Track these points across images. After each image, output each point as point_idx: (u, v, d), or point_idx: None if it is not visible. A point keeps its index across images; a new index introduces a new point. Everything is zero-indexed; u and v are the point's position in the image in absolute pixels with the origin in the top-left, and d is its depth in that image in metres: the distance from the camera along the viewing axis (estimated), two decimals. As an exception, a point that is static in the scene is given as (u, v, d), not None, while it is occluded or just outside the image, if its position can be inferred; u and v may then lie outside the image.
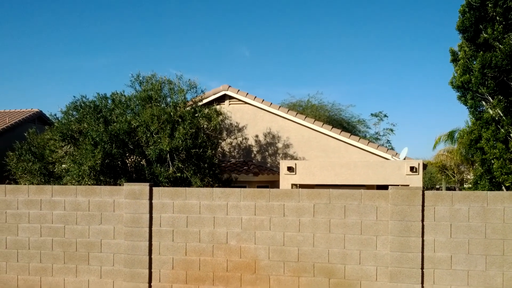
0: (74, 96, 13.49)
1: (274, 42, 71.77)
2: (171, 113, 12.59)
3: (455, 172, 34.03)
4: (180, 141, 12.00)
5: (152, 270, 7.89)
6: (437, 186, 44.08)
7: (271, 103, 16.36)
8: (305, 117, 16.52)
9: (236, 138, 16.67)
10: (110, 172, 12.08)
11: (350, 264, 7.24)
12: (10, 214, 8.43)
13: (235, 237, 7.62)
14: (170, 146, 11.90)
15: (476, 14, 13.83)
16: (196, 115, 13.17)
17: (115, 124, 12.25)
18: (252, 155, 16.55)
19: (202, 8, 73.29)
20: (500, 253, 6.81)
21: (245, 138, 16.61)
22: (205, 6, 71.85)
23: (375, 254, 7.16)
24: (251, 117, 16.59)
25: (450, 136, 24.89)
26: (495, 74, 13.44)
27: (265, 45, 72.06)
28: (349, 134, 16.36)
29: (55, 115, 13.76)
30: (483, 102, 14.32)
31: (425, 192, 7.07)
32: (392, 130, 32.22)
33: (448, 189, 38.10)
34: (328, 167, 13.22)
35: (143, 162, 12.94)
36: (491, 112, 13.80)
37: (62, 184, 11.81)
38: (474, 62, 14.03)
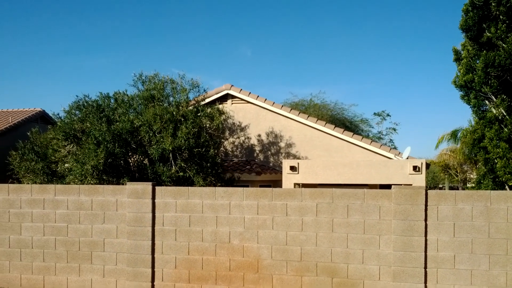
0: (77, 96, 13.53)
1: (276, 41, 71.77)
2: (174, 113, 12.59)
3: (458, 171, 33.97)
4: (182, 141, 12.00)
5: (155, 269, 7.90)
6: (440, 186, 44.01)
7: (274, 103, 16.35)
8: (308, 116, 16.50)
9: (238, 138, 16.66)
10: (113, 172, 12.09)
11: (353, 263, 7.23)
12: (13, 213, 8.45)
13: (237, 237, 7.62)
14: (173, 145, 11.90)
15: (479, 13, 13.80)
16: (199, 114, 13.18)
17: (117, 123, 12.26)
18: (255, 155, 16.55)
19: (204, 7, 73.32)
20: (504, 253, 6.79)
21: (248, 138, 16.61)
22: (207, 5, 71.88)
23: (378, 254, 7.14)
24: (254, 117, 16.58)
25: (453, 135, 24.83)
26: (499, 73, 13.40)
27: (267, 44, 72.09)
28: (352, 133, 16.34)
29: (58, 114, 13.80)
30: (486, 101, 14.29)
31: (428, 191, 7.05)
32: (395, 130, 32.22)
33: (451, 188, 38.04)
34: (330, 166, 13.20)
35: (146, 161, 12.95)
36: (494, 111, 13.77)
37: (65, 184, 11.83)
38: (477, 61, 14.01)
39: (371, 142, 15.86)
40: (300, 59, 69.97)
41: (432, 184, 43.32)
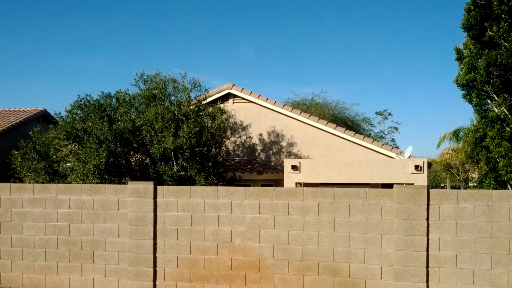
0: (79, 95, 13.52)
1: (278, 41, 71.74)
2: (175, 112, 12.59)
3: (460, 170, 33.92)
4: (184, 140, 12.00)
5: (157, 268, 7.90)
6: (442, 185, 43.95)
7: (275, 102, 16.34)
8: (309, 115, 16.49)
9: (240, 137, 16.66)
10: (114, 171, 12.10)
11: (355, 262, 7.22)
12: (15, 213, 8.46)
13: (239, 236, 7.62)
14: (174, 144, 11.91)
15: (481, 12, 13.77)
16: (200, 113, 13.17)
17: (119, 122, 12.27)
18: (256, 154, 16.54)
19: (205, 6, 73.32)
20: (506, 252, 6.78)
21: (249, 137, 16.60)
22: (208, 4, 71.86)
23: (380, 253, 7.14)
24: (255, 116, 16.58)
25: (455, 134, 24.78)
26: (501, 72, 13.38)
27: (268, 44, 72.08)
28: (354, 132, 16.32)
29: (60, 113, 13.80)
30: (488, 100, 14.27)
31: (430, 190, 7.04)
32: (396, 129, 32.18)
33: (453, 187, 38.00)
34: (332, 165, 13.19)
35: (148, 160, 12.95)
36: (496, 110, 13.75)
37: (67, 183, 11.84)
38: (479, 60, 13.98)
39: (373, 141, 15.85)
40: (302, 58, 69.98)
41: (434, 183, 43.27)
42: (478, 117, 14.65)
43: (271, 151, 16.46)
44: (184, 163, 12.30)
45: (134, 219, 7.94)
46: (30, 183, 12.09)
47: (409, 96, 70.15)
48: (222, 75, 72.59)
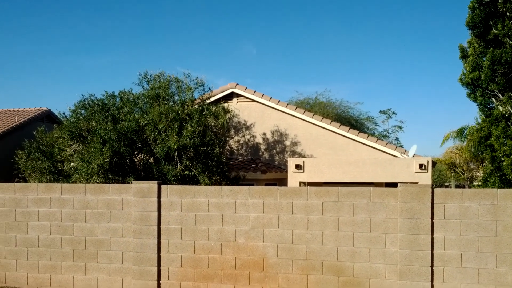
0: (82, 95, 13.54)
1: (281, 40, 71.71)
2: (179, 111, 12.60)
3: (464, 169, 33.82)
4: (188, 139, 12.01)
5: (161, 268, 7.91)
6: (446, 184, 43.85)
7: (279, 101, 16.33)
8: (313, 114, 16.47)
9: (243, 136, 16.66)
10: (118, 170, 12.12)
11: (359, 262, 7.21)
12: (19, 212, 8.48)
13: (243, 235, 7.61)
14: (178, 144, 11.91)
15: (486, 10, 13.70)
16: (204, 113, 13.18)
17: (123, 122, 12.28)
18: (260, 153, 16.54)
19: (208, 6, 73.35)
20: (511, 251, 6.74)
21: (253, 136, 16.60)
22: (211, 4, 71.86)
23: (384, 252, 7.12)
24: (259, 115, 16.57)
25: (460, 133, 24.70)
26: (505, 70, 13.31)
27: (272, 43, 72.02)
28: (358, 131, 16.29)
29: (64, 113, 13.84)
30: (493, 99, 14.20)
31: (435, 189, 7.02)
32: (400, 128, 32.04)
33: (457, 186, 37.89)
34: (336, 164, 13.17)
35: (151, 160, 12.97)
36: (501, 109, 13.68)
37: (71, 182, 11.87)
38: (484, 59, 13.91)
39: (377, 140, 15.81)
40: (305, 57, 69.90)
41: (438, 182, 43.16)
42: (483, 115, 14.58)
43: (274, 150, 16.45)
44: (187, 163, 12.30)
45: (138, 219, 7.95)
46: (35, 182, 12.14)
47: (413, 95, 70.01)
48: (225, 75, 72.62)
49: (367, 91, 64.52)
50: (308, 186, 7.55)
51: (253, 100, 16.56)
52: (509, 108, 13.45)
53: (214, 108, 13.70)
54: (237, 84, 16.51)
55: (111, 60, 78.71)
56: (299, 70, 69.38)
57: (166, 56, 71.71)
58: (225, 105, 14.97)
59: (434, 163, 13.45)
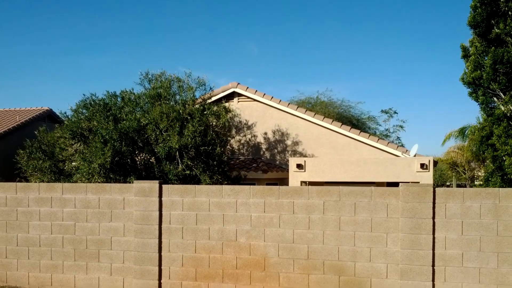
0: (84, 94, 13.57)
1: (283, 39, 71.67)
2: (180, 111, 12.60)
3: (466, 169, 33.77)
4: (189, 139, 12.01)
5: (162, 267, 7.91)
6: (448, 183, 43.78)
7: (280, 100, 16.33)
8: (315, 114, 16.47)
9: (245, 136, 16.65)
10: (119, 170, 12.13)
11: (360, 261, 7.20)
12: (21, 212, 8.49)
13: (244, 235, 7.61)
14: (179, 143, 11.91)
15: (488, 9, 13.67)
16: (205, 112, 13.18)
17: (124, 122, 12.29)
18: (261, 153, 16.53)
19: (210, 5, 73.35)
20: (513, 251, 6.73)
21: (254, 136, 16.60)
22: (213, 4, 71.86)
23: (386, 252, 7.11)
24: (260, 114, 16.57)
25: (461, 132, 24.68)
26: (507, 69, 13.29)
27: (273, 42, 72.01)
28: (359, 131, 16.28)
29: (65, 113, 13.86)
30: (495, 98, 14.18)
31: (436, 189, 7.00)
32: (402, 127, 32.04)
33: (458, 186, 37.84)
34: (337, 164, 13.16)
35: (153, 159, 12.97)
36: (502, 108, 13.66)
37: (72, 182, 11.88)
38: (486, 58, 13.89)
39: (378, 139, 15.80)
40: (306, 57, 69.87)
41: (439, 181, 43.10)
42: (484, 115, 14.56)
43: (276, 150, 16.45)
44: (189, 162, 12.31)
45: (139, 218, 7.95)
46: (36, 182, 12.14)
47: (414, 94, 69.91)
48: (227, 74, 72.66)
49: (369, 90, 64.51)
50: (309, 186, 7.54)
51: (255, 100, 16.56)
52: (511, 108, 13.42)
53: (215, 108, 13.70)
54: (238, 83, 16.51)
55: (112, 60, 78.78)
56: (301, 69, 69.40)
57: (167, 55, 71.76)
58: (227, 104, 14.97)
59: (435, 163, 13.44)
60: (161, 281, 7.91)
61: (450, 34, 64.44)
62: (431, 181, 12.25)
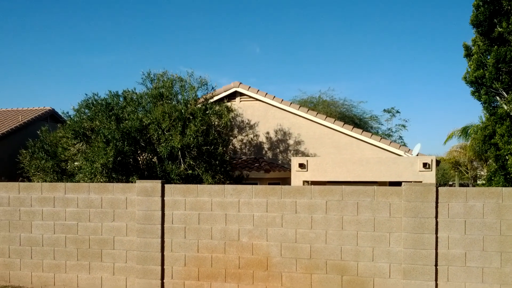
0: (86, 94, 13.57)
1: (285, 39, 71.64)
2: (182, 111, 12.61)
3: (469, 168, 33.69)
4: (191, 138, 12.01)
5: (165, 267, 7.91)
6: (450, 183, 43.70)
7: (282, 100, 16.31)
8: (317, 113, 16.45)
9: (247, 135, 16.65)
10: (122, 170, 12.14)
11: (363, 261, 7.19)
12: (23, 212, 8.50)
13: (247, 234, 7.60)
14: (182, 143, 11.92)
15: (491, 8, 13.63)
16: (207, 112, 13.18)
17: (126, 121, 12.30)
18: (263, 152, 16.53)
19: (212, 5, 73.35)
20: (516, 250, 6.71)
21: (256, 135, 16.59)
22: (215, 3, 71.87)
23: (388, 251, 7.09)
24: (262, 114, 16.56)
25: (464, 131, 24.61)
26: (510, 68, 13.25)
27: (275, 42, 71.98)
28: (361, 130, 16.26)
29: (68, 113, 13.88)
30: (497, 97, 14.14)
31: (439, 188, 6.99)
32: (404, 126, 31.98)
33: (461, 185, 37.76)
34: (340, 163, 13.15)
35: (155, 159, 12.98)
36: (505, 107, 13.62)
37: (75, 182, 11.89)
38: (488, 57, 13.85)
39: (381, 139, 15.77)
40: (309, 56, 69.82)
41: (442, 181, 43.01)
42: (487, 114, 14.52)
43: (278, 149, 16.44)
44: (191, 162, 12.31)
45: (142, 218, 7.95)
46: (39, 182, 12.16)
47: (417, 93, 69.81)
48: (229, 74, 72.72)
49: (371, 89, 64.43)
50: (312, 185, 7.54)
51: (257, 99, 16.55)
52: (514, 107, 13.38)
53: (217, 107, 13.70)
54: (240, 83, 16.50)
55: (114, 60, 78.87)
56: (303, 69, 69.34)
57: (169, 55, 71.81)
58: (229, 104, 14.97)
59: (438, 162, 13.42)
60: (164, 280, 7.91)
61: (453, 33, 64.31)
62: (433, 181, 12.23)
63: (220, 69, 72.17)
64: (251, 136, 16.61)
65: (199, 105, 13.46)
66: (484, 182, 19.84)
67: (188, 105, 13.10)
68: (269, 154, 16.48)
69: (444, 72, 67.22)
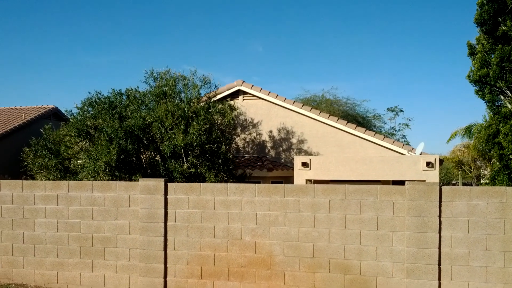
0: (89, 92, 13.58)
1: (288, 38, 71.56)
2: (185, 109, 12.61)
3: (472, 167, 33.60)
4: (194, 137, 12.01)
5: (168, 265, 7.92)
6: (454, 182, 43.62)
7: (285, 98, 16.30)
8: (320, 112, 16.43)
9: (250, 134, 16.65)
10: (125, 168, 12.15)
11: (366, 260, 7.17)
12: (27, 210, 8.52)
13: (249, 233, 7.60)
14: (185, 141, 11.92)
15: (495, 7, 13.58)
16: (210, 110, 13.18)
17: (130, 120, 12.31)
18: (266, 151, 16.52)
19: (215, 4, 73.32)
20: (520, 250, 6.68)
21: (259, 134, 16.58)
22: (218, 2, 71.84)
23: (392, 250, 7.08)
24: (265, 113, 16.55)
25: (467, 130, 24.55)
26: (514, 67, 13.20)
27: (278, 41, 71.89)
28: (364, 129, 16.23)
29: (71, 111, 13.89)
30: (501, 96, 14.08)
31: (442, 187, 6.97)
32: (407, 125, 31.91)
33: (464, 184, 37.66)
34: (343, 162, 13.13)
35: (158, 157, 12.99)
36: (509, 106, 13.57)
37: (78, 180, 11.91)
38: (492, 56, 13.79)
39: (384, 138, 15.75)
40: (312, 55, 69.74)
41: (445, 180, 42.94)
42: (491, 113, 14.47)
43: (281, 148, 16.43)
44: (194, 160, 12.31)
45: (145, 216, 7.96)
46: (42, 180, 12.19)
47: (420, 92, 69.67)
48: (232, 72, 72.65)
49: (374, 88, 64.30)
50: (315, 184, 7.52)
51: (260, 98, 16.54)
52: (518, 106, 13.33)
53: (220, 106, 13.70)
54: (243, 81, 16.50)
55: (117, 58, 78.97)
56: (306, 67, 69.28)
57: (172, 54, 71.84)
58: (232, 102, 14.96)
59: (441, 161, 13.38)
60: (167, 279, 7.92)
61: (457, 32, 64.15)
62: (437, 180, 12.20)
63: (223, 68, 72.20)
64: (254, 134, 16.61)
65: (202, 104, 13.46)
66: (487, 181, 19.79)
67: (191, 103, 13.10)
68: (272, 152, 16.47)
69: (448, 71, 67.07)
